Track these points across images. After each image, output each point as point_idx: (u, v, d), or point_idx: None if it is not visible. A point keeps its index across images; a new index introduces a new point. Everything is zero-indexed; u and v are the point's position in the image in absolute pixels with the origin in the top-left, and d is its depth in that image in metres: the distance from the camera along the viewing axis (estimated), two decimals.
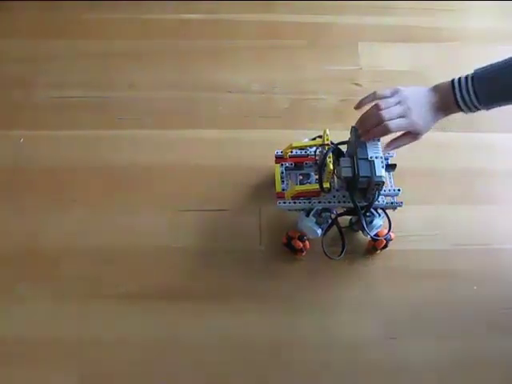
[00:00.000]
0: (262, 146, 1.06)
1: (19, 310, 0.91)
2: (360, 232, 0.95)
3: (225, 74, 1.18)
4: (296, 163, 0.91)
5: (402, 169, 1.05)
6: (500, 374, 0.87)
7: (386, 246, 0.94)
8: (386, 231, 0.91)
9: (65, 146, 1.08)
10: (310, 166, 0.91)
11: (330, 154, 0.83)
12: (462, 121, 1.12)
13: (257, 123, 1.11)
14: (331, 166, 0.82)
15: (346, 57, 1.21)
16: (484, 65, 0.80)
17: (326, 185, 0.84)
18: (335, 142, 0.87)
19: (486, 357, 0.89)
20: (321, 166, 0.85)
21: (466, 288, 0.94)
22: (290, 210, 0.89)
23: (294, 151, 0.92)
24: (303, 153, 0.92)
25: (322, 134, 0.89)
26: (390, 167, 0.90)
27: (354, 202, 0.84)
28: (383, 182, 0.81)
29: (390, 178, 0.90)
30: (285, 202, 0.88)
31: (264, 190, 1.02)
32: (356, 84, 1.17)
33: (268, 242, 0.97)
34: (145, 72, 1.18)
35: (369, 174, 0.80)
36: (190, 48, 1.22)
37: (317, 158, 0.90)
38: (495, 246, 0.98)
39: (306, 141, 0.92)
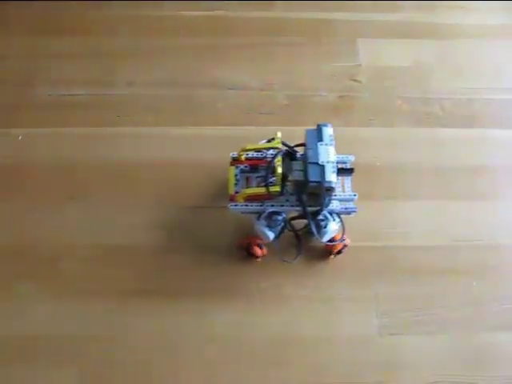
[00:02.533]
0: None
1: (18, 308, 0.91)
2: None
3: (224, 71, 1.18)
4: (252, 166, 0.88)
5: (401, 165, 1.05)
6: (500, 371, 0.87)
7: (340, 252, 0.93)
8: (340, 236, 0.89)
9: (64, 143, 1.08)
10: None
11: (279, 158, 0.82)
12: (463, 116, 1.12)
13: (257, 120, 1.11)
14: (279, 170, 0.81)
15: (345, 53, 1.21)
16: None
17: (275, 188, 0.82)
18: (291, 145, 0.85)
19: (486, 353, 0.89)
20: (268, 170, 0.83)
21: (465, 284, 0.94)
22: (243, 212, 0.87)
23: (251, 153, 0.89)
24: (260, 155, 0.89)
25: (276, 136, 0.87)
26: (348, 171, 0.87)
27: (302, 205, 0.82)
28: (333, 188, 0.79)
29: (348, 181, 0.87)
30: (236, 205, 0.85)
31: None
32: (355, 80, 1.17)
33: None
34: (144, 69, 1.18)
35: (318, 179, 0.78)
36: (190, 45, 1.21)
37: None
38: (495, 242, 0.98)
39: (262, 143, 0.89)
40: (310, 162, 0.79)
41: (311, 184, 0.78)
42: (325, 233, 0.85)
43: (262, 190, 0.83)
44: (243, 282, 0.94)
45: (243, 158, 0.88)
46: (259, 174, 0.88)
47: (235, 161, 0.89)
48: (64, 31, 1.23)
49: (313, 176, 0.78)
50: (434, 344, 0.89)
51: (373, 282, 0.94)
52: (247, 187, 0.87)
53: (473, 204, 1.02)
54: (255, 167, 0.88)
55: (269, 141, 0.88)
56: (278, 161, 0.82)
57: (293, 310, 0.91)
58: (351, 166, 0.87)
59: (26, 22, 1.25)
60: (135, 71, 1.17)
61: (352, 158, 0.89)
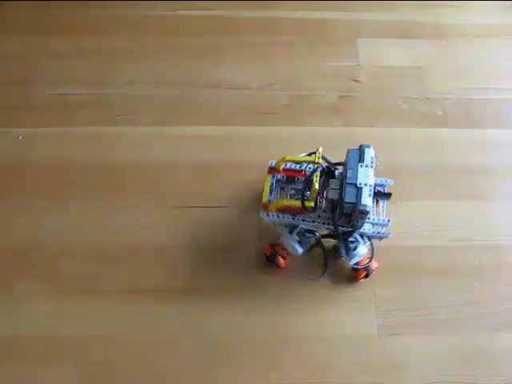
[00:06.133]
0: (261, 143, 1.07)
1: (18, 308, 0.91)
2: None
3: (224, 71, 1.18)
4: (288, 177, 0.89)
5: (401, 165, 1.05)
6: (500, 371, 0.87)
7: (367, 276, 0.91)
8: (367, 261, 0.88)
9: (64, 143, 1.08)
10: (303, 182, 0.88)
11: (318, 173, 0.81)
12: (463, 116, 1.12)
13: (256, 120, 1.11)
14: (316, 186, 0.80)
15: (345, 53, 1.21)
16: None
17: (310, 204, 0.81)
18: (332, 162, 0.84)
19: (486, 353, 0.89)
20: (306, 185, 0.83)
21: (465, 284, 0.94)
22: (273, 223, 0.87)
23: (289, 164, 0.89)
24: (298, 167, 0.89)
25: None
26: (385, 196, 0.86)
27: (335, 224, 0.82)
28: (368, 212, 0.78)
29: (383, 206, 0.87)
30: (268, 215, 0.85)
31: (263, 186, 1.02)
32: (355, 80, 1.17)
33: (267, 238, 0.97)
34: (144, 69, 1.18)
35: (354, 201, 0.77)
36: (190, 45, 1.21)
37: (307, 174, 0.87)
38: (495, 242, 0.98)
39: (301, 155, 0.88)
40: (347, 183, 0.78)
41: (346, 205, 0.77)
42: (354, 256, 0.85)
43: (297, 203, 0.82)
44: (243, 281, 0.94)
45: (281, 168, 0.88)
46: (294, 186, 0.88)
47: (273, 170, 0.89)
48: (64, 31, 1.23)
49: (349, 197, 0.77)
50: (434, 344, 0.89)
51: (373, 282, 0.93)
52: (281, 198, 0.87)
53: (473, 204, 1.02)
54: (291, 179, 0.88)
55: (309, 154, 0.87)
56: (316, 176, 0.81)
57: (293, 310, 0.91)
58: (389, 191, 0.87)
59: (26, 22, 1.25)
60: (135, 71, 1.17)
61: (391, 183, 0.88)
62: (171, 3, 1.27)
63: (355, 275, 0.92)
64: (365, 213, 0.78)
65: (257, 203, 1.00)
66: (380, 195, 0.86)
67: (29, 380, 0.86)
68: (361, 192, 0.77)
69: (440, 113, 1.12)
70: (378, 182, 0.88)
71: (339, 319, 0.91)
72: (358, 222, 0.80)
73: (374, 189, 0.82)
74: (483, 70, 1.19)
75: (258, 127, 1.09)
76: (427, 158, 1.07)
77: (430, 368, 0.87)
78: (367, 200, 0.76)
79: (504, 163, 1.07)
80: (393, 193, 0.86)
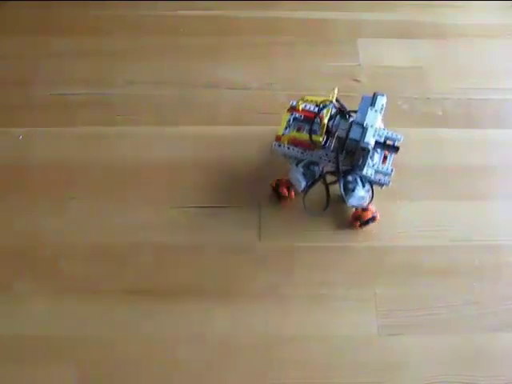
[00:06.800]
0: (261, 143, 1.07)
1: (18, 308, 0.91)
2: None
3: (224, 71, 1.18)
4: (306, 117, 0.93)
5: (401, 165, 1.05)
6: (500, 371, 0.87)
7: (367, 223, 0.95)
8: (368, 212, 0.94)
9: (64, 143, 1.08)
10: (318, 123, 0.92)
11: (329, 109, 0.86)
12: (463, 116, 1.12)
13: (256, 119, 1.11)
14: (325, 120, 0.85)
15: (345, 53, 1.21)
16: None
17: (318, 138, 0.86)
18: (347, 109, 0.90)
19: (486, 353, 0.89)
20: (315, 118, 0.88)
21: (465, 284, 0.94)
22: (283, 155, 0.93)
23: (308, 106, 0.94)
24: (316, 110, 0.92)
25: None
26: (394, 149, 0.90)
27: (337, 160, 0.87)
28: (369, 150, 0.83)
29: (390, 159, 0.91)
30: (280, 145, 0.92)
31: (263, 185, 1.02)
32: (355, 80, 1.17)
33: (267, 238, 0.97)
34: (144, 69, 1.18)
35: (358, 138, 0.83)
36: (190, 45, 1.22)
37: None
38: (495, 242, 0.98)
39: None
40: (355, 122, 0.84)
41: (350, 141, 0.83)
42: (351, 196, 0.89)
43: (306, 136, 0.89)
44: (243, 281, 0.94)
45: (300, 108, 0.93)
46: (311, 127, 0.91)
47: (292, 108, 0.95)
48: (64, 31, 1.23)
49: (354, 134, 0.83)
50: (434, 344, 0.89)
51: (372, 282, 0.94)
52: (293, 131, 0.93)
53: (473, 204, 1.02)
54: (309, 119, 0.92)
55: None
56: (328, 111, 0.87)
57: (292, 310, 0.91)
58: (398, 145, 0.90)
59: (26, 22, 1.25)
60: (135, 71, 1.17)
61: (401, 139, 0.92)
62: (171, 3, 1.27)
63: (354, 221, 0.96)
64: (366, 150, 0.84)
65: (257, 202, 1.01)
66: (389, 148, 0.90)
67: (29, 380, 0.86)
68: (366, 131, 0.83)
69: (440, 113, 1.12)
70: (389, 135, 0.91)
71: (339, 319, 0.91)
72: (359, 160, 0.86)
73: (385, 141, 0.89)
74: (483, 69, 1.19)
75: (258, 127, 1.09)
76: (427, 158, 1.07)
77: (429, 368, 0.87)
78: (370, 139, 0.83)
79: (504, 163, 1.07)
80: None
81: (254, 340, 0.89)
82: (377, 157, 0.91)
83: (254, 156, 1.05)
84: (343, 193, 0.89)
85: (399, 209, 1.00)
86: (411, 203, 1.01)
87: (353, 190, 0.89)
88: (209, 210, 1.00)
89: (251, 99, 1.14)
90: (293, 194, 0.97)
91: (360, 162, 0.87)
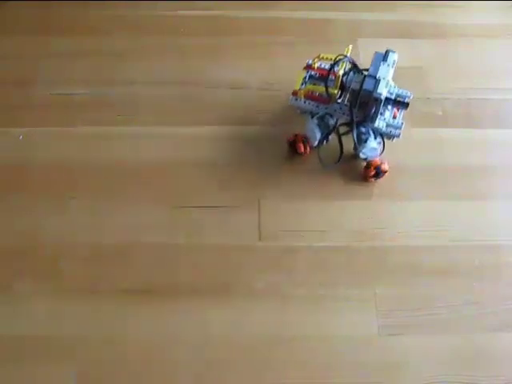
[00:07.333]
0: (261, 143, 1.07)
1: (18, 308, 0.91)
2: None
3: (224, 71, 1.18)
4: (321, 74, 1.00)
5: (401, 165, 1.05)
6: (500, 371, 0.87)
7: (378, 176, 1.00)
8: (378, 162, 0.99)
9: (64, 143, 1.08)
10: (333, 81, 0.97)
11: (344, 62, 0.93)
12: (463, 116, 1.12)
13: (257, 120, 1.11)
14: (340, 72, 0.92)
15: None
16: None
17: (333, 90, 0.93)
18: (360, 68, 0.95)
19: (486, 353, 0.89)
20: (330, 71, 0.94)
21: (465, 284, 0.94)
22: (299, 108, 1.00)
23: (323, 64, 1.00)
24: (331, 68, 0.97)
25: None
26: (404, 104, 0.96)
27: (351, 111, 0.93)
28: (381, 100, 0.90)
29: (400, 113, 0.98)
30: (296, 99, 0.99)
31: (263, 185, 1.02)
32: None
33: (267, 238, 0.97)
34: (144, 69, 1.18)
35: (371, 89, 0.89)
36: (190, 45, 1.21)
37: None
38: (495, 242, 0.98)
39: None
40: (368, 75, 0.91)
41: (364, 92, 0.90)
42: (363, 147, 0.96)
43: (322, 88, 0.95)
44: (242, 281, 0.94)
45: (316, 66, 0.99)
46: (326, 85, 0.96)
47: (308, 66, 1.02)
48: (64, 31, 1.23)
49: (367, 85, 0.90)
50: (434, 344, 0.89)
51: (373, 282, 0.94)
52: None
53: (473, 204, 1.02)
54: (324, 77, 0.97)
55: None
56: (343, 64, 0.93)
57: (292, 310, 0.91)
58: (408, 101, 0.96)
59: (26, 22, 1.25)
60: (135, 71, 1.17)
61: (411, 96, 0.99)
62: (171, 3, 1.27)
63: (366, 173, 1.00)
64: (378, 101, 0.90)
65: (257, 202, 1.01)
66: (399, 104, 0.96)
67: (29, 380, 0.86)
68: (378, 83, 0.90)
69: (440, 113, 1.12)
70: (400, 92, 0.99)
71: (339, 319, 0.91)
72: (371, 111, 0.93)
73: (395, 98, 0.95)
74: (483, 69, 1.19)
75: (257, 127, 1.09)
76: (427, 158, 1.07)
77: (429, 368, 0.87)
78: (383, 90, 0.90)
79: (504, 163, 1.07)
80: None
81: (254, 340, 0.89)
82: (387, 113, 0.98)
83: (253, 156, 1.05)
84: (356, 142, 0.95)
85: (399, 209, 1.00)
86: (411, 203, 1.01)
87: (365, 141, 0.95)
88: (209, 209, 1.00)
89: (251, 99, 1.14)
90: (308, 149, 1.01)
91: (372, 113, 0.93)
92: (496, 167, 1.06)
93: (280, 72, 1.17)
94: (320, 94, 0.99)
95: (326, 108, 0.97)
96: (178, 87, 1.15)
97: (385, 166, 0.99)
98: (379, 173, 1.00)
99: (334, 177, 1.03)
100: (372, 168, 0.99)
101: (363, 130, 0.96)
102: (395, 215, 1.00)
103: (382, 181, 1.03)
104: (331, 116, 0.98)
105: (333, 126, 0.98)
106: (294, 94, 1.00)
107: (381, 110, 0.94)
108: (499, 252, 0.97)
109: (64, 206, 1.00)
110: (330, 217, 0.99)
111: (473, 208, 1.01)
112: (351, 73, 0.94)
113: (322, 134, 0.98)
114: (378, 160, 0.99)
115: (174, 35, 1.23)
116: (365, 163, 1.01)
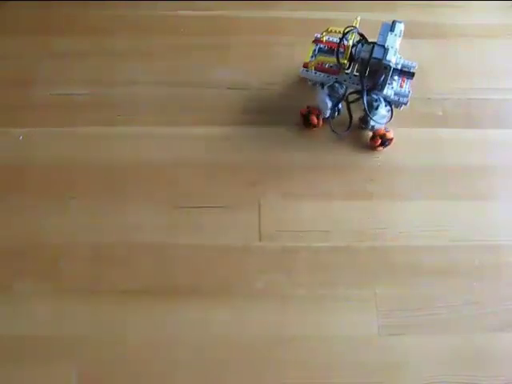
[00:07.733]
0: (261, 143, 1.07)
1: (18, 308, 0.91)
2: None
3: (225, 71, 1.18)
4: (330, 47, 1.06)
5: (401, 165, 1.05)
6: (500, 371, 0.87)
7: (383, 144, 1.03)
8: (384, 131, 1.02)
9: (64, 143, 1.08)
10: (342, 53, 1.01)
11: (353, 33, 0.97)
12: (463, 116, 1.12)
13: (257, 120, 1.11)
14: (350, 43, 0.96)
15: None
16: None
17: (344, 60, 0.98)
18: (370, 40, 0.98)
19: (486, 353, 0.89)
20: (340, 42, 0.98)
21: (465, 284, 0.94)
22: (310, 80, 1.06)
23: (331, 38, 1.05)
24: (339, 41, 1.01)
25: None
26: (410, 74, 1.00)
27: (361, 79, 0.98)
28: (391, 67, 0.94)
29: (406, 83, 1.03)
30: (307, 71, 1.05)
31: (263, 186, 1.02)
32: None
33: (267, 238, 0.97)
34: (144, 69, 1.18)
35: (380, 57, 0.93)
36: (190, 45, 1.21)
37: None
38: (495, 242, 0.98)
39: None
40: (377, 44, 0.95)
41: (373, 60, 0.94)
42: (375, 114, 1.00)
43: (332, 59, 1.01)
44: (242, 281, 0.94)
45: (324, 39, 1.05)
46: (336, 57, 1.01)
47: (317, 40, 1.08)
48: (64, 31, 1.23)
49: (376, 53, 0.94)
50: (434, 344, 0.89)
51: (373, 282, 0.94)
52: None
53: (473, 204, 1.02)
54: (333, 50, 1.03)
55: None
56: (352, 35, 0.97)
57: (292, 310, 0.91)
58: (413, 71, 1.00)
59: (26, 22, 1.25)
60: (135, 71, 1.17)
61: (416, 66, 1.05)
62: (171, 3, 1.27)
63: (372, 144, 1.04)
64: (388, 68, 0.94)
65: (257, 203, 1.01)
66: (405, 73, 1.00)
67: (29, 380, 0.86)
68: (387, 51, 0.94)
69: (440, 113, 1.12)
70: (406, 63, 1.05)
71: (339, 319, 0.91)
72: (380, 78, 0.97)
73: (401, 68, 1.00)
74: (483, 69, 1.19)
75: (257, 127, 1.09)
76: (427, 158, 1.07)
77: (429, 368, 0.87)
78: (392, 57, 0.93)
79: (504, 163, 1.07)
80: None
81: (254, 340, 0.89)
82: (395, 83, 1.02)
83: (253, 156, 1.05)
84: (367, 109, 0.98)
85: (399, 209, 1.00)
86: (411, 203, 1.01)
87: (376, 108, 0.99)
88: (209, 209, 1.00)
89: (252, 99, 1.14)
90: (321, 122, 1.05)
91: (381, 82, 0.97)
92: (496, 167, 1.06)
93: (280, 72, 1.17)
94: (330, 66, 1.04)
95: (336, 78, 1.02)
96: (178, 87, 1.15)
97: (390, 134, 1.02)
98: (385, 141, 1.03)
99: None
100: (378, 137, 1.02)
101: (375, 97, 1.00)
102: (395, 215, 1.00)
103: (382, 181, 1.03)
104: (341, 85, 1.01)
105: (342, 94, 1.01)
106: (305, 66, 1.05)
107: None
108: (499, 252, 0.97)
109: (64, 206, 1.00)
110: (330, 217, 0.99)
111: (473, 208, 1.01)
112: (359, 44, 0.98)
113: (333, 104, 1.02)
114: (382, 129, 1.02)
115: (174, 35, 1.23)
116: (370, 134, 1.04)
